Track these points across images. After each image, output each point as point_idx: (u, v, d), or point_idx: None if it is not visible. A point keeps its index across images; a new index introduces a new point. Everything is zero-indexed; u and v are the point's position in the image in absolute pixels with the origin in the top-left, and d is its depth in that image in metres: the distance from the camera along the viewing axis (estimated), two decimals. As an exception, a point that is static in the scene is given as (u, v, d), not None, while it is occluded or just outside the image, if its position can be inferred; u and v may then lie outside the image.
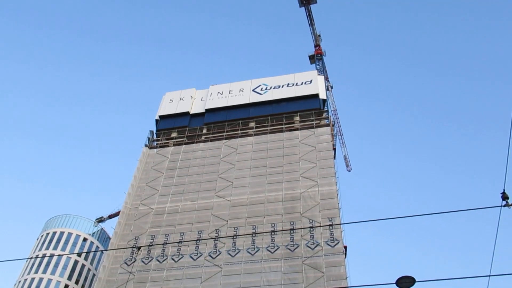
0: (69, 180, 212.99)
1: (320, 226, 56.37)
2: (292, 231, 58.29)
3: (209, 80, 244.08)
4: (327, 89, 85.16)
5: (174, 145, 77.42)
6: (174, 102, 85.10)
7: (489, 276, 14.18)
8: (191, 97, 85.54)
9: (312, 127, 72.76)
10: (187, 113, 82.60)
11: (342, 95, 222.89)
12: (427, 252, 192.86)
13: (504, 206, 15.60)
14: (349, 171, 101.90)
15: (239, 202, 63.47)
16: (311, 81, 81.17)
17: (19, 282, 75.91)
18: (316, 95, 78.48)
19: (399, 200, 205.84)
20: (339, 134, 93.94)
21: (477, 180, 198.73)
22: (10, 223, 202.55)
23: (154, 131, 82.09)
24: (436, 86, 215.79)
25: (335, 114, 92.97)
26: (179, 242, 60.10)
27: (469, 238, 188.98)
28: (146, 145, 78.57)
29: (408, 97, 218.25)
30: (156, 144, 79.57)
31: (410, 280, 18.32)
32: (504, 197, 15.80)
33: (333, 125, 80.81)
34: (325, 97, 79.91)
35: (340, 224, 52.52)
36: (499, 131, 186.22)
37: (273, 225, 59.47)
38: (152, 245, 60.56)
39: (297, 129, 73.48)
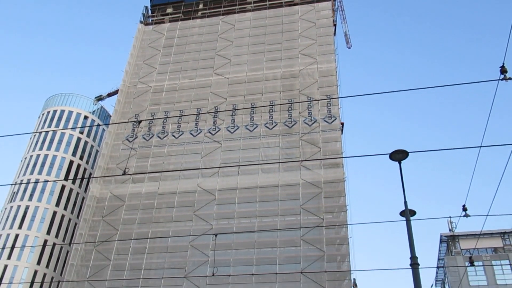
0: (66, 58, 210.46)
1: (317, 100, 56.81)
2: (290, 108, 58.97)
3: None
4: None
5: (169, 21, 75.20)
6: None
7: (480, 147, 14.56)
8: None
9: (313, 2, 70.03)
10: (183, -14, 78.95)
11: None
12: (422, 126, 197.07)
13: (502, 79, 15.51)
14: (349, 48, 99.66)
15: (238, 79, 63.32)
16: (312, -50, 76.37)
17: (25, 158, 78.29)
18: (318, -33, 74.34)
19: (398, 77, 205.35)
20: (340, 9, 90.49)
21: (476, 55, 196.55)
22: (12, 102, 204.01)
23: (149, 7, 79.22)
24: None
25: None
26: (180, 116, 61.03)
27: (464, 113, 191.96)
28: (141, 22, 76.36)
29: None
30: (152, 20, 77.25)
31: (403, 153, 18.88)
32: (503, 70, 15.64)
33: (334, 0, 77.62)
34: (327, -31, 75.77)
35: (338, 98, 52.80)
36: (502, 5, 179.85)
37: (271, 102, 59.94)
38: (153, 119, 61.58)
39: (296, 4, 70.80)
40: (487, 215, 17.28)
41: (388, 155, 18.85)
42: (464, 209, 18.69)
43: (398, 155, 18.80)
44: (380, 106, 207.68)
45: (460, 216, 18.38)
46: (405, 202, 18.28)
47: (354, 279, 46.52)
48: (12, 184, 57.26)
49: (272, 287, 46.40)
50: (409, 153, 18.38)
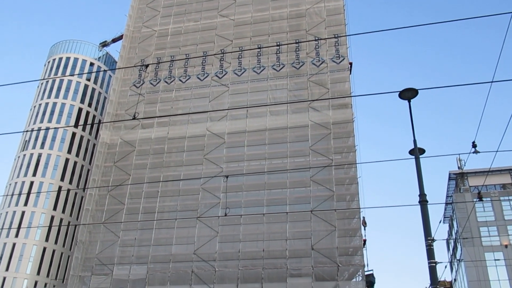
0: (68, 3, 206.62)
1: (325, 39, 55.69)
2: (297, 49, 58.05)
3: None
4: None
5: (171, -39, 72.82)
6: None
7: (491, 82, 14.31)
8: None
9: None
10: None
11: None
12: (432, 64, 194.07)
13: (516, 12, 14.96)
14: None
15: (243, 21, 62.00)
16: None
17: (34, 107, 78.62)
18: None
19: (407, 13, 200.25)
20: None
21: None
22: (17, 51, 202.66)
23: None
24: None
25: None
26: (186, 59, 60.44)
27: (476, 48, 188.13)
28: (142, -37, 74.01)
29: None
30: (153, -39, 74.83)
31: (413, 91, 18.62)
32: (517, 3, 15.09)
33: None
34: None
35: (346, 35, 51.83)
36: None
37: (278, 43, 58.93)
38: (160, 62, 61.11)
39: None
40: (497, 151, 17.26)
41: (397, 94, 18.64)
42: (474, 145, 18.60)
43: (408, 93, 18.56)
44: (389, 45, 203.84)
45: (469, 153, 18.37)
46: (414, 141, 18.27)
47: (364, 217, 47.39)
48: (23, 132, 57.94)
49: (283, 226, 47.43)
50: (419, 92, 18.15)
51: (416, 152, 18.07)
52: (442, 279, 66.10)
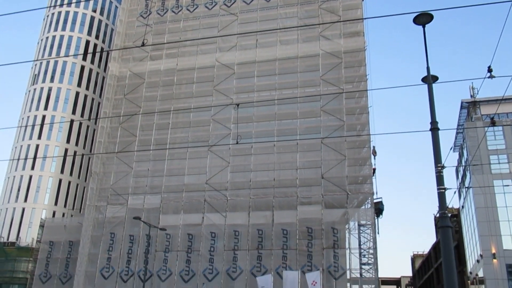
0: None
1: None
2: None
3: None
4: None
5: None
6: None
7: None
8: None
9: None
10: None
11: None
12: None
13: None
14: None
15: None
16: None
17: (41, 40, 77.63)
18: None
19: None
20: None
21: None
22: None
23: None
24: None
25: None
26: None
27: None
28: None
29: None
30: None
31: (428, 16, 17.99)
32: None
33: None
34: None
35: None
36: None
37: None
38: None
39: None
40: (513, 76, 16.84)
41: (411, 21, 18.06)
42: (490, 70, 18.12)
43: (423, 18, 17.95)
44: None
45: (484, 78, 17.95)
46: (427, 67, 17.90)
47: (374, 147, 47.54)
48: (33, 61, 57.70)
49: (293, 156, 47.85)
50: (434, 18, 17.51)
51: (429, 78, 17.74)
52: (450, 206, 67.21)
